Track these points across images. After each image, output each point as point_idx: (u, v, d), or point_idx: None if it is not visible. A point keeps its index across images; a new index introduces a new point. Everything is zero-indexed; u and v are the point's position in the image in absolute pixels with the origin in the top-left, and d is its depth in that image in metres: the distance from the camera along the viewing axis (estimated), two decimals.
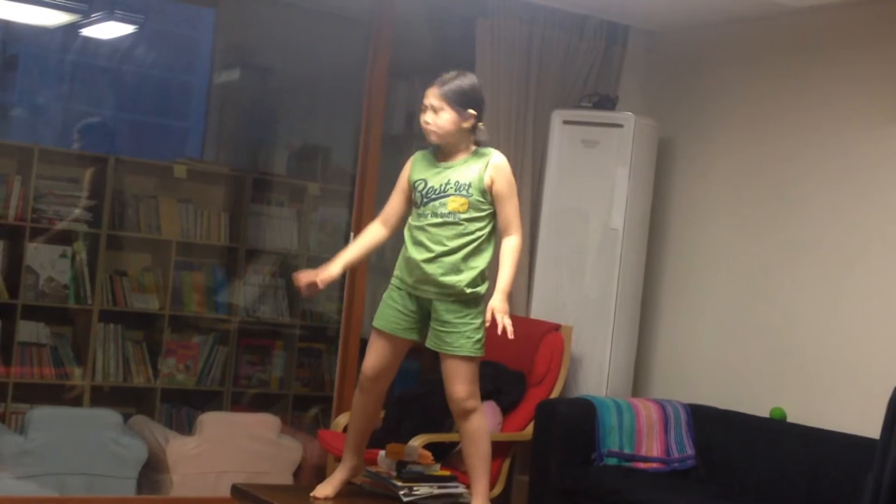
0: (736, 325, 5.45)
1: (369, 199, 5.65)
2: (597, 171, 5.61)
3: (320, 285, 4.02)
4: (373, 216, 5.63)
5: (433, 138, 3.95)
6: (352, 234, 5.66)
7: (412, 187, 3.99)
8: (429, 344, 3.97)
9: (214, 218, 6.62)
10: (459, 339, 3.90)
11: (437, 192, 3.92)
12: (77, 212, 6.19)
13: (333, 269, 4.04)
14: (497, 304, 3.83)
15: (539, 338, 5.32)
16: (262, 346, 6.77)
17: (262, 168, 7.09)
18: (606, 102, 5.74)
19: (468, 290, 3.89)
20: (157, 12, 7.15)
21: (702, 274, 5.68)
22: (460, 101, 3.90)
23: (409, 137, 6.69)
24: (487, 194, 3.92)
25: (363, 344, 5.78)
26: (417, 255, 3.91)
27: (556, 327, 5.36)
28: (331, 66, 6.76)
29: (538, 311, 5.63)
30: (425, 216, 3.93)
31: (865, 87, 5.01)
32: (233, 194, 6.75)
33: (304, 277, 4.03)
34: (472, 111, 3.93)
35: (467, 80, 3.95)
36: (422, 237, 3.92)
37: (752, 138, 5.51)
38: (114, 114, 7.15)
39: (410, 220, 4.00)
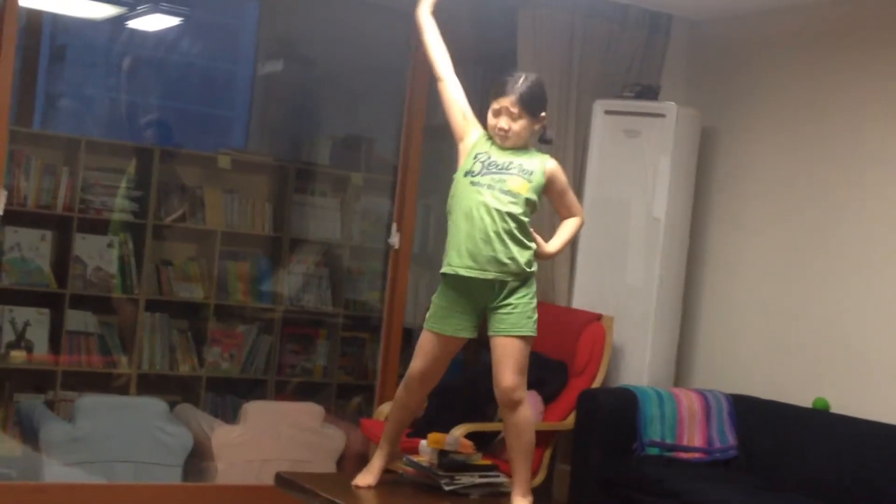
0: (779, 315, 5.43)
1: (412, 189, 5.68)
2: (639, 161, 5.60)
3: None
4: (415, 206, 5.71)
5: (507, 144, 3.96)
6: (394, 225, 5.69)
7: (473, 157, 3.95)
8: (493, 331, 3.94)
9: (258, 208, 6.67)
10: (521, 318, 3.91)
11: (499, 167, 3.92)
12: (124, 202, 6.27)
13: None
14: (540, 245, 3.99)
15: (581, 327, 5.33)
16: (305, 335, 6.81)
17: (306, 158, 7.13)
18: (648, 92, 5.73)
19: (528, 269, 3.91)
20: (203, 3, 7.21)
21: (744, 263, 5.65)
22: (535, 108, 3.96)
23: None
24: (540, 190, 3.96)
25: (406, 333, 5.84)
26: (479, 232, 3.86)
27: (598, 317, 5.36)
28: (374, 56, 6.78)
29: (580, 301, 5.64)
30: (481, 186, 3.88)
31: None
32: (277, 184, 6.80)
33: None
34: (543, 114, 4.00)
35: (537, 84, 3.98)
36: (481, 211, 3.87)
37: (794, 127, 5.48)
38: (160, 104, 7.22)
39: (461, 194, 3.93)
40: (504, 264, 3.88)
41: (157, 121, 6.83)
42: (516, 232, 3.88)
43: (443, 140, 6.60)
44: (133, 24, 6.67)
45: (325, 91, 7.21)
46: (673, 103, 5.58)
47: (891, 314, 4.94)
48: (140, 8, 6.52)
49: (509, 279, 3.90)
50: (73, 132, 6.41)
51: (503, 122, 3.93)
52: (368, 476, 4.14)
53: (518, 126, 3.93)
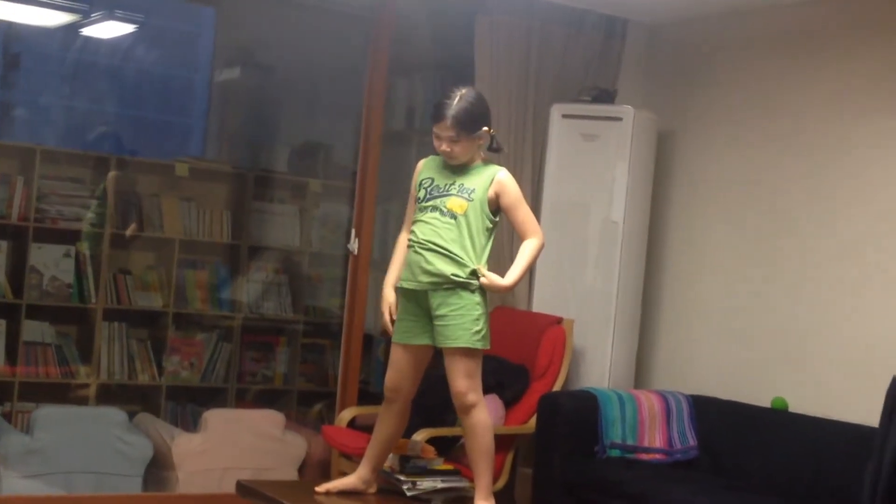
0: (737, 316, 5.47)
1: (370, 195, 5.67)
2: (596, 165, 5.62)
3: (394, 316, 4.11)
4: (374, 212, 5.71)
5: (455, 162, 4.03)
6: (353, 231, 5.69)
7: (419, 186, 4.08)
8: (436, 342, 4.00)
9: (217, 216, 6.64)
10: (457, 330, 3.92)
11: (440, 189, 4.02)
12: (90, 214, 6.23)
13: (391, 296, 4.12)
14: (495, 281, 3.95)
15: (541, 331, 5.34)
16: (265, 343, 6.79)
17: (264, 165, 7.10)
18: (605, 96, 5.75)
19: (454, 278, 3.91)
20: (158, 11, 7.17)
21: (702, 265, 5.69)
22: (472, 125, 3.97)
23: (410, 133, 6.71)
24: (488, 206, 3.98)
25: (366, 339, 5.84)
26: (415, 245, 3.98)
27: (558, 320, 5.37)
28: (331, 62, 6.78)
29: (540, 305, 5.65)
30: (426, 210, 4.02)
31: (866, 80, 5.01)
32: (235, 192, 6.77)
33: (387, 330, 4.13)
34: (484, 128, 4.01)
35: (472, 101, 3.98)
36: (420, 229, 3.99)
37: (750, 130, 5.52)
38: (116, 112, 7.18)
39: (416, 218, 4.06)
40: (433, 274, 3.93)
41: (112, 132, 6.77)
42: (447, 247, 3.93)
43: (401, 146, 6.63)
44: (87, 31, 6.62)
45: (282, 98, 7.20)
46: (629, 107, 5.61)
47: (847, 315, 4.99)
48: (94, 15, 6.48)
49: (440, 287, 3.93)
50: (28, 141, 6.36)
51: (444, 146, 3.99)
52: (330, 484, 4.14)
53: (459, 147, 3.98)
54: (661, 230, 5.87)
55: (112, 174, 6.28)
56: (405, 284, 4.02)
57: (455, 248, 3.93)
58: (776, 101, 5.40)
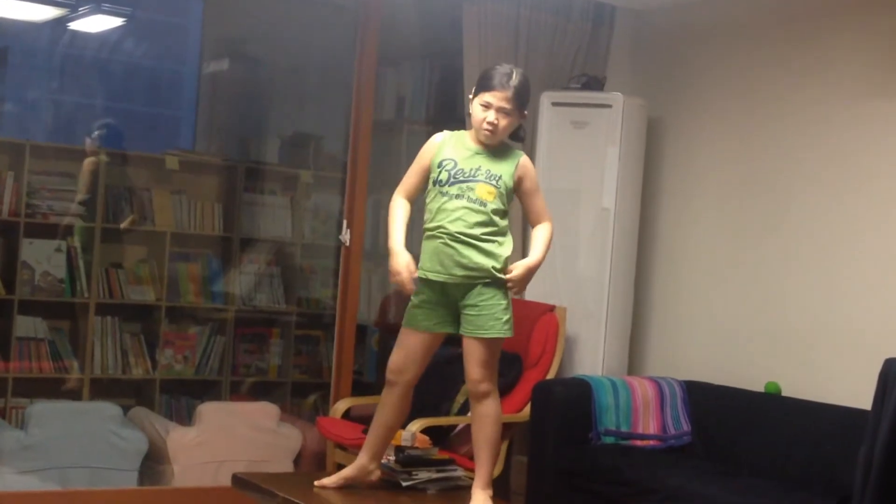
0: (729, 301, 5.48)
1: (361, 185, 5.67)
2: (587, 152, 5.62)
3: (414, 283, 3.93)
4: (365, 202, 5.71)
5: (492, 140, 3.91)
6: (344, 222, 5.68)
7: (437, 166, 3.92)
8: (462, 331, 3.94)
9: (208, 208, 6.63)
10: (489, 320, 3.90)
11: (466, 174, 3.89)
12: (79, 208, 6.23)
13: (407, 254, 3.91)
14: (522, 266, 3.92)
15: (534, 319, 5.34)
16: (259, 335, 6.79)
17: (255, 157, 7.10)
18: (595, 83, 5.75)
19: (494, 272, 3.89)
20: (145, 3, 7.15)
21: (694, 251, 5.70)
22: (525, 102, 3.92)
23: (400, 123, 6.71)
24: (511, 191, 3.94)
25: (359, 330, 5.85)
26: (444, 237, 3.87)
27: (551, 308, 5.38)
28: (320, 53, 6.77)
29: (532, 293, 5.63)
30: (449, 196, 3.88)
31: (855, 60, 5.02)
32: (225, 184, 6.77)
33: (407, 288, 3.93)
34: (525, 112, 3.95)
35: (527, 79, 3.92)
36: (446, 217, 3.87)
37: (741, 114, 5.53)
38: (105, 106, 7.16)
39: (432, 203, 3.92)
40: (470, 268, 3.87)
41: (101, 126, 6.76)
42: (483, 238, 3.87)
43: (391, 136, 6.63)
44: (75, 25, 6.61)
45: (271, 89, 7.19)
46: (619, 94, 5.61)
47: (839, 298, 5.00)
48: (81, 9, 6.46)
49: (477, 281, 3.89)
50: (17, 136, 6.34)
51: (492, 117, 3.86)
52: (329, 479, 4.10)
53: (506, 122, 3.87)
54: (653, 216, 5.87)
55: (87, 160, 6.27)
56: (432, 276, 3.89)
57: (488, 240, 3.87)
58: (765, 86, 5.40)
